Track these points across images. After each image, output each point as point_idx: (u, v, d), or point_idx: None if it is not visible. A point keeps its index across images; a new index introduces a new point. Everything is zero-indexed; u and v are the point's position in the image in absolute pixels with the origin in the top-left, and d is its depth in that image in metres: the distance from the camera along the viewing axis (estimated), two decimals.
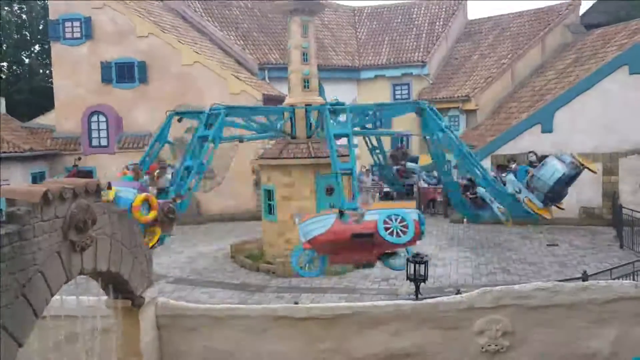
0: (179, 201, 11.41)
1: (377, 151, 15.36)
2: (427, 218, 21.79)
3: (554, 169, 12.07)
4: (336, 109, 13.26)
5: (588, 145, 18.81)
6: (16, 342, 4.02)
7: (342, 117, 13.86)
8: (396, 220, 9.64)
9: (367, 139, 15.34)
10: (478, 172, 12.76)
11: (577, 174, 12.39)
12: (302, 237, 10.01)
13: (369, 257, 10.28)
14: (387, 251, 10.28)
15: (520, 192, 12.30)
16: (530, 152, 14.93)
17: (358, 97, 27.22)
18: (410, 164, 15.13)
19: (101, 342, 5.81)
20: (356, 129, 14.83)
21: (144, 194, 10.13)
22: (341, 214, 9.95)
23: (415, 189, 21.15)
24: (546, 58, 25.74)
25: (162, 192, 11.75)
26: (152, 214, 10.01)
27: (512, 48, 26.54)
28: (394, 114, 16.85)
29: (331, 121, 12.58)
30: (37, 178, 21.63)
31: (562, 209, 13.26)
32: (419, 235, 9.92)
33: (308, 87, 15.87)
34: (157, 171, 12.76)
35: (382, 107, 14.64)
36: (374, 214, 9.83)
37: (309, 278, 14.31)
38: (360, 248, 9.85)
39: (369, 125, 14.88)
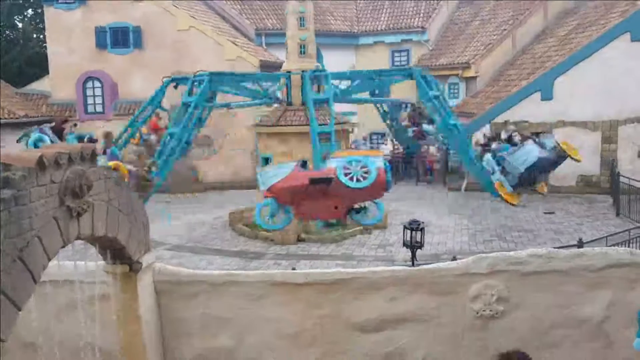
0: (154, 169, 11.52)
1: (389, 116, 15.50)
2: (425, 186, 21.99)
3: (528, 154, 11.65)
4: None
5: (587, 113, 18.72)
6: (15, 307, 4.04)
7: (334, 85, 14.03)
8: (357, 165, 9.05)
9: (377, 105, 15.57)
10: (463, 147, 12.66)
11: (559, 161, 12.06)
12: (261, 185, 9.58)
13: (333, 211, 9.51)
14: (353, 205, 9.60)
15: (493, 173, 12.04)
16: (510, 123, 14.57)
17: (356, 64, 26.92)
18: (426, 126, 14.89)
19: (100, 308, 5.85)
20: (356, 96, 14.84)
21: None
22: (303, 163, 9.60)
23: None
24: (548, 24, 25.37)
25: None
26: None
27: (513, 14, 26.12)
28: (390, 81, 16.70)
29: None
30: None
31: (543, 193, 12.84)
32: (384, 183, 9.19)
33: (293, 51, 15.74)
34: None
35: (380, 74, 14.57)
36: (335, 161, 9.28)
37: (307, 245, 14.44)
38: (323, 197, 9.16)
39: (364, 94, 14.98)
